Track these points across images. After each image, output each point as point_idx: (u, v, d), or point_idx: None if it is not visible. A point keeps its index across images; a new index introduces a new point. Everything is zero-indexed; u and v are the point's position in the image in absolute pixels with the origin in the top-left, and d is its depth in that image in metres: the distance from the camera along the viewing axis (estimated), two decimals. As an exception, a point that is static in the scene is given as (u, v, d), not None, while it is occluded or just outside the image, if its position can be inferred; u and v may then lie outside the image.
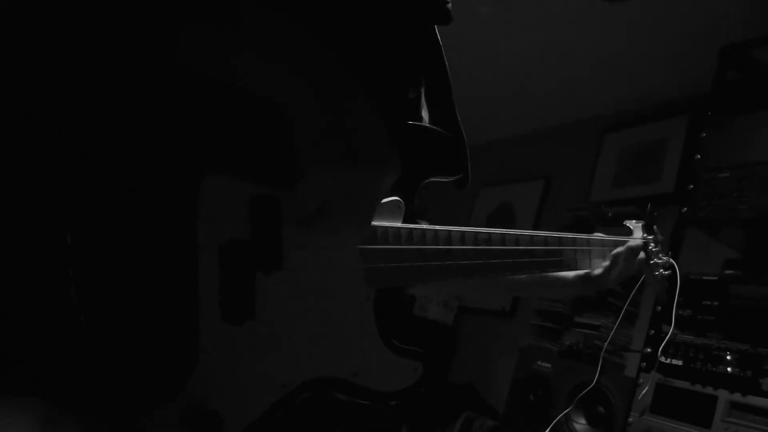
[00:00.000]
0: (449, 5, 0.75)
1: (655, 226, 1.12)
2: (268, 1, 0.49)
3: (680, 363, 1.74)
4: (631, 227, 1.11)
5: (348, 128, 0.51)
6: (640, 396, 1.79)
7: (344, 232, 0.56)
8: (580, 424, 2.18)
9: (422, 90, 0.74)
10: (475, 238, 0.74)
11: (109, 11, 0.44)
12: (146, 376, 0.49)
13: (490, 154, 3.88)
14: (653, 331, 1.86)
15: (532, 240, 0.82)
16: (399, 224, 0.67)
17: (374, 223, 0.63)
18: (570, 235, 0.92)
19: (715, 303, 1.75)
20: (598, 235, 1.00)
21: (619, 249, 1.01)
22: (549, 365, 2.37)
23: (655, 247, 1.09)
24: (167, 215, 0.50)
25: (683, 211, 1.96)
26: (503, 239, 0.78)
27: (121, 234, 0.47)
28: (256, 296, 0.55)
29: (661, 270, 1.12)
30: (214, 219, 0.53)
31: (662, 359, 1.78)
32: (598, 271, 0.99)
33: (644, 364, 1.84)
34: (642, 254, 1.05)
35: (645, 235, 1.09)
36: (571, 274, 1.00)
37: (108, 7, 0.44)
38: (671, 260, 1.16)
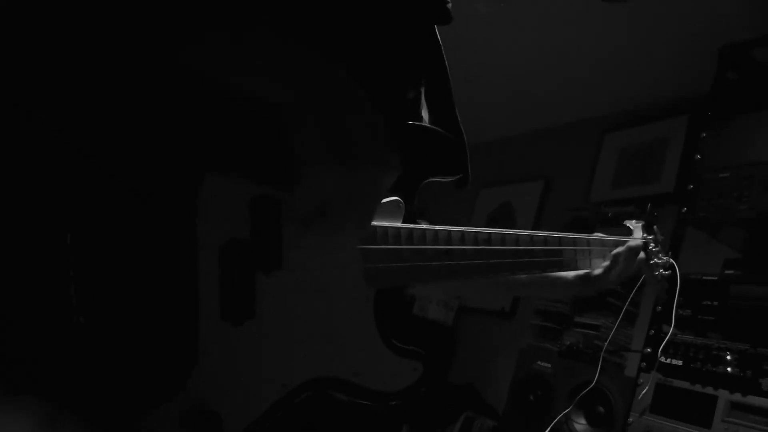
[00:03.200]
0: (449, 5, 0.75)
1: (654, 226, 1.12)
2: (268, 10, 0.49)
3: (680, 363, 1.74)
4: (631, 227, 1.12)
5: (347, 129, 0.52)
6: (640, 396, 1.79)
7: (344, 232, 0.57)
8: (580, 424, 2.18)
9: (422, 90, 0.74)
10: (476, 238, 0.74)
11: (112, 12, 0.44)
12: (145, 377, 0.49)
13: (490, 154, 3.88)
14: (653, 331, 1.86)
15: (531, 240, 0.82)
16: (399, 224, 0.67)
17: (374, 223, 0.63)
18: (570, 235, 0.93)
19: (715, 303, 1.75)
20: (599, 235, 1.00)
21: (619, 249, 1.00)
22: (549, 365, 2.37)
23: (655, 247, 1.09)
24: (167, 215, 0.50)
25: (683, 211, 1.96)
26: (503, 239, 0.78)
27: (120, 234, 0.47)
28: (256, 296, 0.55)
29: (661, 270, 1.12)
30: (214, 219, 0.53)
31: (662, 359, 1.78)
32: (597, 271, 0.98)
33: (644, 364, 1.84)
34: (642, 254, 1.05)
35: (645, 235, 1.09)
36: (571, 274, 1.00)
37: (111, 8, 0.44)
38: (671, 260, 1.16)
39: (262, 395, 0.55)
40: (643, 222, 1.11)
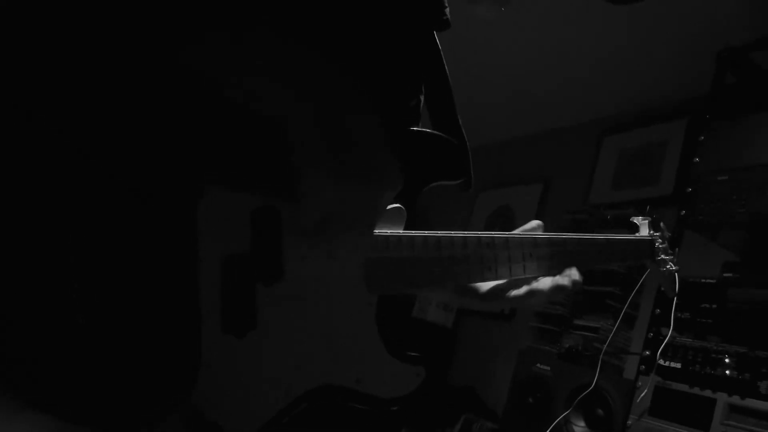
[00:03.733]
0: (447, 10, 0.75)
1: (662, 223, 1.12)
2: (269, 16, 0.49)
3: (679, 366, 1.74)
4: (638, 223, 1.11)
5: (350, 141, 0.52)
6: (639, 399, 1.79)
7: (345, 242, 0.56)
8: (579, 426, 2.18)
9: (422, 97, 0.74)
10: (478, 241, 0.74)
11: (112, 11, 0.44)
12: (147, 389, 0.48)
13: (489, 156, 3.89)
14: (652, 334, 1.86)
15: (535, 242, 0.82)
16: (400, 231, 0.67)
17: (376, 231, 0.63)
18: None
19: (714, 306, 1.75)
20: (609, 235, 0.98)
21: (540, 287, 0.79)
22: (548, 367, 2.37)
23: (662, 244, 1.09)
24: (168, 217, 0.50)
25: (682, 214, 1.96)
26: (507, 242, 0.78)
27: (121, 237, 0.47)
28: (257, 307, 0.55)
29: (669, 266, 1.08)
30: (215, 230, 0.52)
31: (661, 362, 1.78)
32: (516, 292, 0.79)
33: (643, 366, 1.84)
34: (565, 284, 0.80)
35: (652, 231, 1.09)
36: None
37: (111, 7, 0.44)
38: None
39: (264, 405, 0.55)
40: (650, 219, 1.11)
